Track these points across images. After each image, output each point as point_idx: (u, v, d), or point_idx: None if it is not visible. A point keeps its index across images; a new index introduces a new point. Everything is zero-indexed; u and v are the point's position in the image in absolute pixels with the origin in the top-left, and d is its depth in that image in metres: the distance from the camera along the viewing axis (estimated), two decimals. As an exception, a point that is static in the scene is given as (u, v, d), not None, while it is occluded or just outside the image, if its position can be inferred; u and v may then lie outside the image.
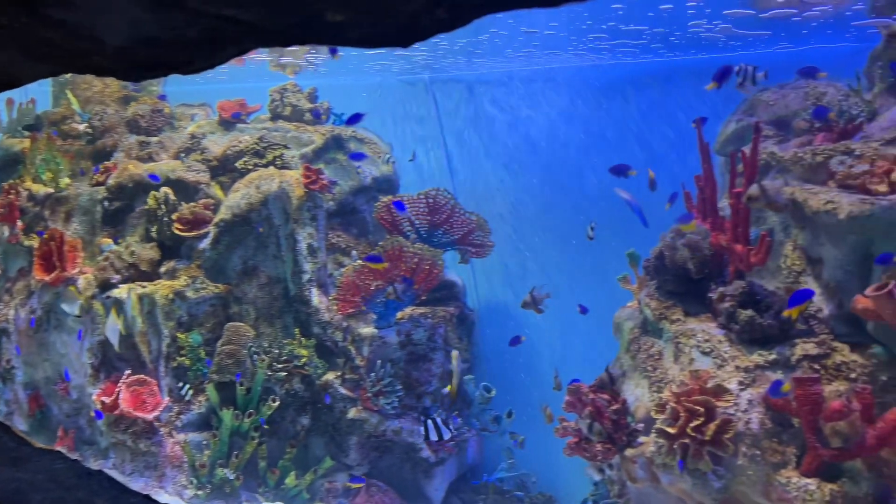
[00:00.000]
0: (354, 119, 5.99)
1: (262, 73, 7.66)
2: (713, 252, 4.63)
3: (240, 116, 6.88)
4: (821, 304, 4.23)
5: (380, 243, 5.70)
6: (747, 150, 4.24)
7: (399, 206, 5.61)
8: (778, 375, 4.04)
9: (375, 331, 6.03)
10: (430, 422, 4.67)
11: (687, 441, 3.97)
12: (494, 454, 6.73)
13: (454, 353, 5.78)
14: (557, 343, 6.70)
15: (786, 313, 4.01)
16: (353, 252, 6.28)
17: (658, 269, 4.80)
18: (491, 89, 7.64)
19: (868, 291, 3.63)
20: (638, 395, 4.56)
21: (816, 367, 4.00)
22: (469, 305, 6.79)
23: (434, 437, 4.74)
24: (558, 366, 5.93)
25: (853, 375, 3.93)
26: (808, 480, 3.79)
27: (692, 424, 3.96)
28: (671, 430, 4.04)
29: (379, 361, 5.96)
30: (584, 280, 6.69)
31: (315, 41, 1.63)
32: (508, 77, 7.70)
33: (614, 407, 4.32)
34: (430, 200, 6.46)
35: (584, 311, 5.55)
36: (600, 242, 6.41)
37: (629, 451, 4.36)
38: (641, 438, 4.36)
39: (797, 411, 3.84)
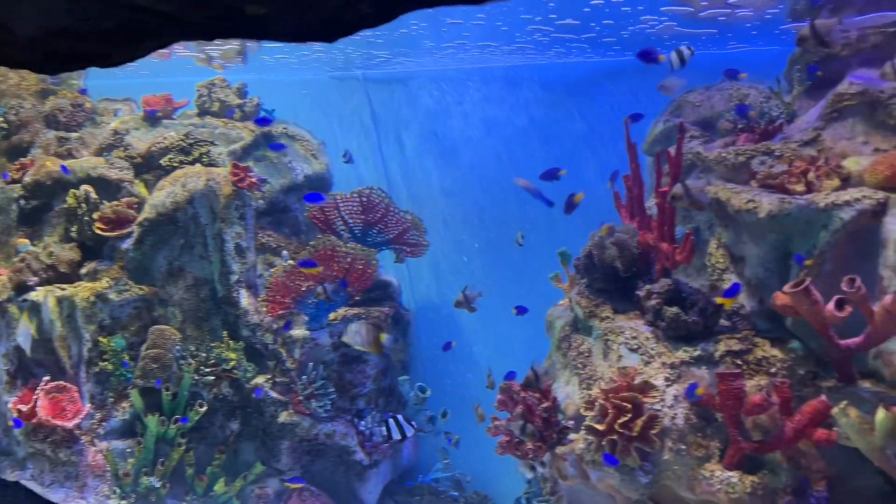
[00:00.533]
0: (264, 121, 5.86)
1: (189, 68, 7.43)
2: (641, 250, 4.70)
3: (155, 114, 6.64)
4: (743, 300, 4.34)
5: (311, 243, 5.59)
6: (672, 150, 4.31)
7: (312, 198, 5.46)
8: (703, 371, 4.12)
9: (307, 333, 5.91)
10: (391, 421, 4.53)
11: (615, 437, 4.01)
12: (430, 455, 6.70)
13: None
14: (493, 342, 6.71)
15: (718, 300, 4.11)
16: (284, 252, 6.14)
17: (588, 267, 4.85)
18: (426, 87, 7.61)
19: (786, 288, 3.72)
20: (568, 392, 4.59)
21: (739, 362, 4.10)
22: (404, 305, 6.74)
23: (397, 435, 4.59)
24: (493, 364, 5.92)
25: (773, 370, 4.04)
26: (731, 473, 3.88)
27: (620, 421, 3.99)
28: (599, 427, 4.07)
29: (311, 364, 5.85)
30: (519, 278, 6.71)
31: (237, 35, 1.58)
32: (444, 75, 7.68)
33: (545, 405, 4.33)
34: (364, 199, 6.37)
35: (521, 311, 5.56)
36: (535, 241, 6.44)
37: (560, 449, 4.38)
38: (572, 436, 4.39)
39: (720, 406, 3.92)
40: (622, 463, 4.03)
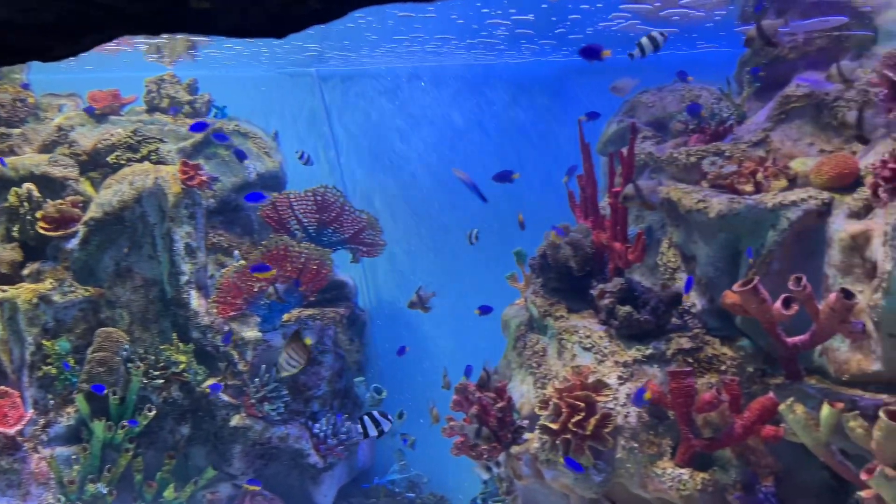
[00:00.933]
0: (199, 127, 5.74)
1: (138, 63, 7.23)
2: (595, 250, 4.72)
3: (93, 111, 6.45)
4: (694, 299, 4.39)
5: (263, 242, 5.49)
6: (625, 150, 4.34)
7: (253, 197, 5.32)
8: (655, 369, 4.16)
9: (260, 334, 5.80)
10: (365, 418, 4.38)
11: (569, 436, 4.02)
12: (386, 456, 6.64)
13: None
14: (449, 342, 6.68)
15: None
16: (236, 252, 6.02)
17: (543, 267, 4.85)
18: (382, 85, 7.53)
19: (735, 287, 3.77)
20: (524, 391, 4.59)
21: (690, 360, 4.14)
22: (360, 306, 6.67)
23: (374, 432, 4.43)
24: (449, 364, 5.90)
25: (723, 368, 4.09)
26: (682, 470, 3.92)
27: (574, 420, 4.00)
28: (554, 426, 4.07)
29: (264, 366, 5.74)
30: (476, 278, 6.70)
31: (183, 30, 1.54)
32: (400, 73, 7.63)
33: (499, 405, 4.31)
34: (319, 198, 6.28)
35: (484, 311, 5.50)
36: (491, 241, 6.43)
37: (514, 449, 4.38)
38: (526, 435, 4.38)
39: (672, 404, 3.96)
40: (576, 462, 4.04)
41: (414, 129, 7.34)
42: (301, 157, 5.87)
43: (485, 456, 4.30)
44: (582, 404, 4.04)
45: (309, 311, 6.11)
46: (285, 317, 5.94)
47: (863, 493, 3.27)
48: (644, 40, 3.87)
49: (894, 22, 4.22)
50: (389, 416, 4.34)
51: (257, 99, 7.39)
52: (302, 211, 6.35)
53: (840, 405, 3.46)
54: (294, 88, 7.51)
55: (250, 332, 5.82)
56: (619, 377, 4.15)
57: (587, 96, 6.63)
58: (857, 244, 3.70)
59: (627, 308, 4.25)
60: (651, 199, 3.66)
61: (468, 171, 7.01)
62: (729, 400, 3.83)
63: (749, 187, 4.12)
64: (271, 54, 6.78)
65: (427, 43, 6.54)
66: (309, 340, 4.69)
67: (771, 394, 3.74)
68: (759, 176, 4.12)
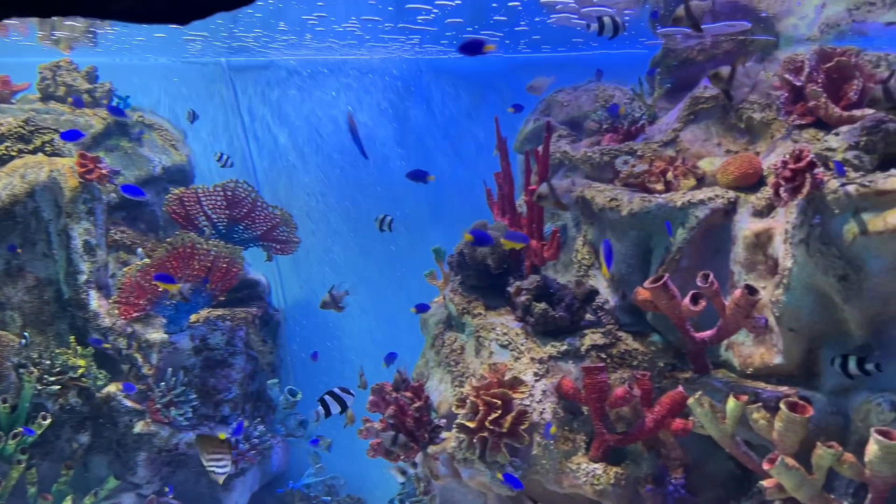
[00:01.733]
0: (117, 111, 5.44)
1: (31, 48, 6.75)
2: (511, 248, 4.72)
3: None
4: (607, 295, 4.45)
5: (168, 240, 5.22)
6: (541, 148, 4.36)
7: (129, 190, 4.93)
8: (569, 365, 4.19)
9: (165, 336, 5.53)
10: (327, 397, 4.12)
11: (486, 434, 3.99)
12: (300, 460, 6.47)
13: None
14: (367, 341, 6.57)
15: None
16: (140, 249, 5.71)
17: (461, 264, 4.82)
18: (296, 78, 7.31)
19: (646, 284, 3.84)
20: (442, 390, 4.54)
21: (603, 356, 4.20)
22: (274, 305, 6.47)
23: (336, 409, 4.17)
24: (368, 364, 5.79)
25: (635, 363, 4.17)
26: (596, 465, 3.96)
27: (490, 417, 3.98)
28: (471, 425, 4.04)
29: (170, 369, 5.47)
30: (394, 276, 6.62)
31: (75, 12, 1.40)
32: (315, 66, 7.43)
33: (417, 405, 4.25)
34: (229, 193, 6.05)
35: (421, 309, 5.38)
36: (409, 238, 6.36)
37: (432, 448, 4.32)
38: (444, 434, 4.34)
39: (586, 399, 4.00)
40: (492, 460, 4.02)
41: (329, 122, 7.14)
42: (220, 159, 5.63)
43: (402, 457, 4.23)
44: (499, 402, 4.02)
45: (218, 312, 5.87)
46: (193, 318, 5.69)
47: (765, 482, 3.39)
48: (606, 19, 3.76)
49: (794, 27, 4.40)
50: (352, 391, 4.14)
51: (163, 89, 7.04)
52: (211, 207, 6.09)
53: (744, 398, 3.57)
54: (203, 79, 7.19)
55: (155, 334, 5.54)
56: (535, 374, 4.16)
57: (511, 93, 6.59)
58: (760, 241, 3.83)
59: (543, 305, 4.27)
60: (564, 198, 3.68)
61: (385, 166, 6.92)
62: (641, 394, 3.90)
63: (660, 186, 4.21)
64: (178, 42, 6.46)
65: (344, 37, 6.39)
66: (223, 436, 4.47)
67: (680, 388, 3.82)
68: (670, 175, 4.21)
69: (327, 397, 4.19)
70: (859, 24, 4.23)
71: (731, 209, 3.98)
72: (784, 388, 3.69)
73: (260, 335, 6.15)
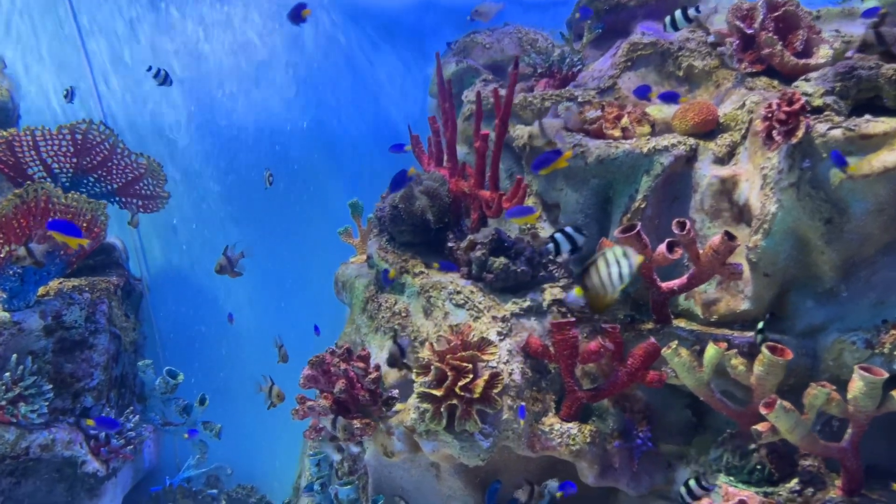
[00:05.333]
0: None
1: None
2: (452, 199, 4.33)
3: None
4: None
5: (16, 191, 4.08)
6: (490, 89, 3.98)
7: None
8: (532, 322, 3.93)
9: (6, 315, 4.38)
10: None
11: (455, 402, 3.61)
12: (173, 451, 5.58)
13: None
14: (251, 313, 5.75)
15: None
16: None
17: (394, 219, 4.32)
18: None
19: (616, 233, 3.67)
20: (384, 358, 4.05)
21: (564, 310, 3.99)
22: (134, 274, 5.44)
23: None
24: (260, 337, 5.07)
25: (595, 316, 4.01)
26: (569, 425, 3.77)
27: (461, 383, 3.61)
28: (437, 393, 3.63)
29: (14, 356, 4.35)
30: (284, 237, 5.81)
31: None
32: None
33: (372, 376, 3.74)
34: (78, 137, 4.91)
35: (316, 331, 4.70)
36: (304, 193, 5.66)
37: (385, 423, 3.85)
38: (397, 406, 3.89)
39: (556, 356, 3.78)
40: (461, 429, 3.66)
41: (205, 51, 5.88)
42: (67, 95, 4.49)
43: (358, 435, 3.71)
44: (469, 366, 3.66)
45: (73, 282, 4.79)
46: (41, 290, 4.58)
47: (758, 426, 3.41)
48: None
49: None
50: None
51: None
52: (52, 154, 4.91)
53: (723, 345, 3.57)
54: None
55: (-9, 313, 4.37)
56: (499, 333, 3.84)
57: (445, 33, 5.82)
58: (726, 188, 3.83)
59: (503, 259, 3.95)
60: (557, 138, 3.36)
61: (281, 106, 5.86)
62: (614, 348, 3.76)
63: (617, 132, 4.06)
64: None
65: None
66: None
67: (652, 339, 3.74)
68: (625, 122, 4.07)
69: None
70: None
71: (692, 156, 3.94)
72: (750, 334, 3.74)
73: (122, 309, 5.14)
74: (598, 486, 3.89)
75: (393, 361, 3.47)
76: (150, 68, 4.62)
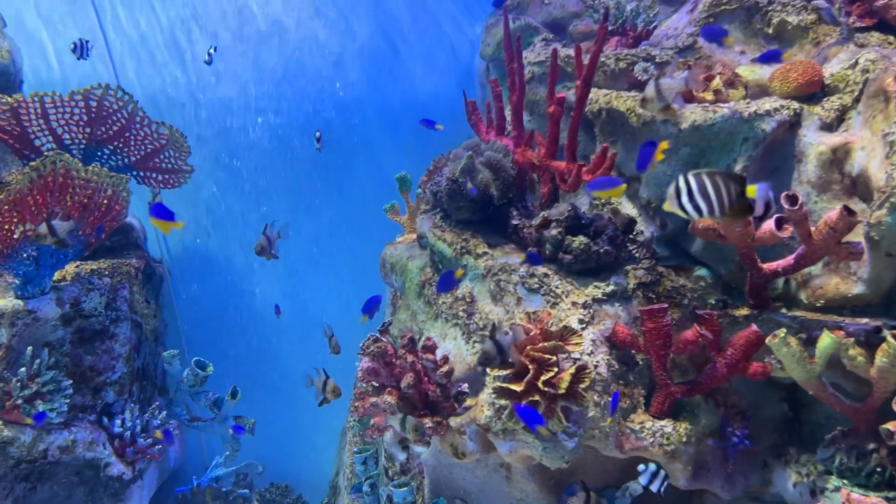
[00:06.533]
0: None
1: None
2: (517, 172, 3.90)
3: None
4: (641, 225, 3.83)
5: (31, 164, 3.59)
6: (585, 44, 3.53)
7: None
8: (616, 308, 3.52)
9: (20, 303, 3.92)
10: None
11: (537, 398, 3.21)
12: (199, 449, 5.16)
13: None
14: (282, 296, 5.29)
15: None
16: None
17: (452, 194, 3.87)
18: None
19: (715, 208, 3.24)
20: (448, 349, 3.64)
21: (651, 295, 3.59)
22: (153, 256, 4.97)
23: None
24: (285, 328, 4.61)
25: (685, 301, 3.61)
26: (662, 422, 3.38)
27: (544, 377, 3.20)
28: (516, 388, 3.23)
29: (30, 349, 3.90)
30: (322, 215, 5.32)
31: None
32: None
33: (443, 369, 3.32)
34: (93, 104, 4.41)
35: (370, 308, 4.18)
36: (342, 164, 5.17)
37: (454, 421, 3.44)
38: (468, 402, 3.48)
39: (647, 347, 3.38)
40: (546, 428, 3.26)
41: (231, 18, 5.32)
42: (77, 49, 4.00)
43: (429, 435, 3.30)
44: (553, 358, 3.25)
45: (91, 266, 4.33)
46: (57, 274, 4.11)
47: (889, 426, 3.03)
48: None
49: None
50: None
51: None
52: (63, 123, 4.41)
53: (840, 333, 3.18)
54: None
55: (1, 301, 3.90)
56: (580, 320, 3.43)
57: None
58: (837, 158, 3.42)
59: (583, 239, 3.52)
60: (676, 103, 2.92)
61: (317, 72, 5.30)
62: (713, 337, 3.36)
63: (709, 95, 3.63)
64: None
65: None
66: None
67: (753, 326, 3.34)
68: (717, 83, 3.64)
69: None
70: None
71: (795, 122, 3.51)
72: (865, 320, 3.35)
73: (143, 294, 4.68)
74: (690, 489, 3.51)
75: (487, 361, 3.04)
76: (78, 45, 4.14)
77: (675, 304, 3.61)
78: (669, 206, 2.58)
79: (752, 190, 2.65)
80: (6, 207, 3.52)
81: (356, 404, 3.45)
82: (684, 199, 2.50)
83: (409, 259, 4.09)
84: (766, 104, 3.48)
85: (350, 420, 4.80)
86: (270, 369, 5.03)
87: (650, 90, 2.91)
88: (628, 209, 3.89)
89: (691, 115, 3.47)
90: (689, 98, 3.66)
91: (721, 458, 3.52)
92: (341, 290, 5.12)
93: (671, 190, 2.53)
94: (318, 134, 3.97)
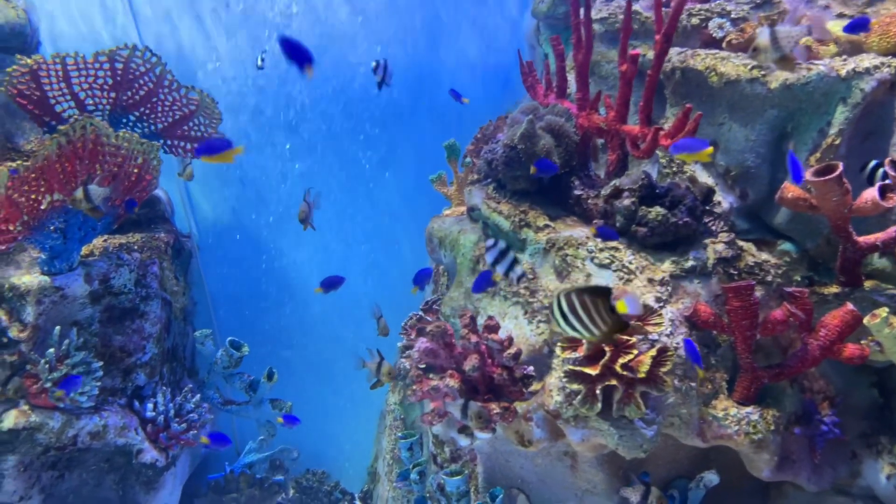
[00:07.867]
0: None
1: None
2: (580, 138, 3.59)
3: None
4: (719, 196, 3.52)
5: (60, 128, 3.29)
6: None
7: None
8: (695, 286, 3.23)
9: (47, 279, 3.65)
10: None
11: (614, 382, 2.93)
12: (239, 431, 4.91)
13: None
14: (316, 274, 5.00)
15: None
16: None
17: (510, 162, 3.57)
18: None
19: (808, 176, 2.95)
20: (509, 329, 3.35)
21: (732, 271, 3.29)
22: (181, 230, 4.69)
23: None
24: (324, 307, 4.32)
25: (769, 278, 3.32)
26: (748, 409, 3.10)
27: (622, 360, 2.92)
28: (591, 371, 2.95)
29: (58, 328, 3.63)
30: (359, 184, 5.01)
31: None
32: None
33: (511, 351, 3.04)
34: (118, 66, 4.11)
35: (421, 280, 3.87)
36: (382, 134, 4.84)
37: (520, 407, 3.17)
38: (534, 386, 3.20)
39: (732, 327, 3.09)
40: (619, 415, 3.00)
41: None
42: None
43: (495, 422, 3.03)
44: (631, 339, 2.97)
45: (119, 240, 4.05)
46: (85, 249, 3.84)
47: None
48: None
49: None
50: None
51: None
52: (86, 87, 4.12)
53: (951, 311, 2.89)
54: None
55: (27, 277, 3.63)
56: (657, 298, 3.14)
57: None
58: (944, 120, 3.10)
59: (660, 209, 3.22)
60: (795, 52, 2.59)
61: (354, 39, 4.99)
62: (804, 317, 3.07)
63: (833, 47, 3.30)
64: None
65: None
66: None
67: (849, 305, 3.04)
68: (807, 38, 3.31)
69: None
70: None
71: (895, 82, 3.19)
72: (972, 298, 3.06)
73: (171, 271, 4.41)
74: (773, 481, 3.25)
75: (467, 325, 2.77)
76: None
77: (759, 280, 3.32)
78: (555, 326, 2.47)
79: (623, 305, 2.47)
80: (33, 175, 3.24)
81: (413, 388, 3.17)
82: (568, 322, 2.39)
83: (460, 233, 3.80)
84: (865, 61, 3.15)
85: (390, 403, 4.55)
86: (304, 349, 4.77)
87: (763, 38, 2.58)
88: (703, 178, 3.58)
89: (782, 74, 3.15)
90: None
91: (807, 448, 3.25)
92: (377, 267, 4.84)
93: (553, 308, 2.43)
94: (375, 64, 3.53)
